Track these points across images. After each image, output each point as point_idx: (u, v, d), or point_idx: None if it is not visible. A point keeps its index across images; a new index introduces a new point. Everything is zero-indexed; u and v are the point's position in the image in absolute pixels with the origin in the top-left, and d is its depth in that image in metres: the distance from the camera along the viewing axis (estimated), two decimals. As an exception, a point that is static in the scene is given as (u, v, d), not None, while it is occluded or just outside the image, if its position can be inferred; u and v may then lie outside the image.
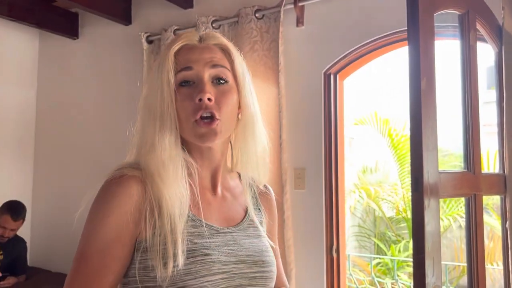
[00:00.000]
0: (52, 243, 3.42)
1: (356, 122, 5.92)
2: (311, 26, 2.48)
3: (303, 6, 2.48)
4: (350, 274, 4.39)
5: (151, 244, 0.79)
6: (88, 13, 3.23)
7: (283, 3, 2.46)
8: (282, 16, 2.46)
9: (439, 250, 1.18)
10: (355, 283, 4.64)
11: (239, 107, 0.92)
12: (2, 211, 2.90)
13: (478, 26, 1.45)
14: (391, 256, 5.38)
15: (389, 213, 6.00)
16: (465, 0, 1.38)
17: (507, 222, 1.52)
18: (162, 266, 0.77)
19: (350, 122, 5.75)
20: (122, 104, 3.18)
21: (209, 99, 0.84)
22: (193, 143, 0.88)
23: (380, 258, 5.55)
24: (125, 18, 3.17)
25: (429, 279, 1.11)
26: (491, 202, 5.19)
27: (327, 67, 2.42)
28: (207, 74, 0.87)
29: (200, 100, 0.84)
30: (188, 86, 0.86)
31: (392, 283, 4.91)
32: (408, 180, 5.71)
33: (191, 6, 2.91)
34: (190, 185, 0.86)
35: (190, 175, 0.87)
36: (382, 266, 5.53)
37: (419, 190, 1.10)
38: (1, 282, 2.76)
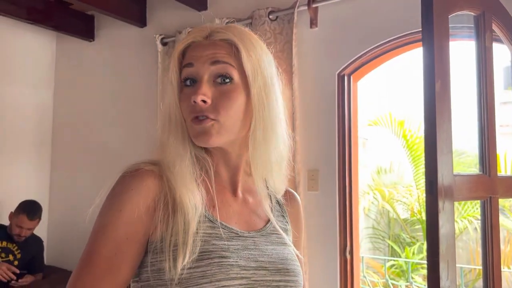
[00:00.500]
0: (69, 242, 3.46)
1: (370, 123, 5.89)
2: (324, 28, 2.48)
3: (316, 7, 2.47)
4: (364, 276, 4.37)
5: (164, 244, 0.75)
6: (104, 16, 3.27)
7: (297, 4, 2.46)
8: (295, 17, 2.46)
9: (453, 253, 1.17)
10: (368, 285, 4.61)
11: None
12: (18, 211, 2.94)
13: (494, 27, 1.44)
14: (406, 258, 5.33)
15: (404, 214, 5.95)
16: (481, 1, 1.37)
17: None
18: (172, 266, 0.73)
19: (364, 123, 5.72)
20: (138, 105, 3.21)
21: (203, 101, 0.79)
22: None
23: (394, 260, 5.50)
24: (140, 20, 3.20)
25: (444, 282, 1.10)
26: (508, 204, 5.12)
27: (341, 68, 2.42)
28: (208, 72, 0.80)
29: (194, 102, 0.79)
30: (190, 85, 0.82)
31: (407, 286, 4.87)
32: (423, 182, 5.66)
33: (205, 8, 2.92)
34: (206, 183, 0.82)
35: (206, 172, 0.83)
36: (396, 268, 5.48)
37: (434, 193, 1.09)
38: (19, 280, 2.81)
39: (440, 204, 1.11)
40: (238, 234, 0.82)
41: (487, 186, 1.35)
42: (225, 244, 0.78)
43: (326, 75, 2.45)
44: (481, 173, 1.35)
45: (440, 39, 1.13)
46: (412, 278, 4.80)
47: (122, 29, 3.31)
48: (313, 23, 2.48)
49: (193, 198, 0.78)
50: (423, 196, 5.53)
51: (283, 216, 0.96)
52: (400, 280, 5.12)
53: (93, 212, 0.82)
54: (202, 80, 0.80)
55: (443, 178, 1.10)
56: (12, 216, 2.97)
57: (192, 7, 2.91)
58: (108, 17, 3.23)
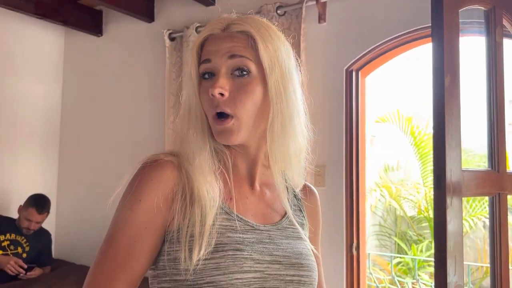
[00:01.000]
0: (76, 236, 3.49)
1: (378, 120, 5.86)
2: (333, 23, 2.47)
3: (325, 2, 2.46)
4: (370, 273, 4.36)
5: (180, 234, 0.76)
6: (112, 11, 3.28)
7: (305, -1, 2.45)
8: (304, 12, 2.45)
9: (461, 249, 1.16)
10: (375, 282, 4.60)
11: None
12: (27, 204, 2.97)
13: (505, 22, 1.42)
14: (412, 255, 5.31)
15: (411, 212, 5.93)
16: (492, -4, 1.36)
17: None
18: (187, 256, 0.74)
19: (372, 120, 5.69)
20: (145, 100, 3.22)
21: (221, 94, 0.78)
22: None
23: (400, 258, 5.49)
24: (148, 15, 3.21)
25: (451, 278, 1.09)
26: (517, 202, 5.07)
27: (349, 64, 2.41)
28: (225, 66, 0.80)
29: (212, 95, 0.79)
30: (209, 78, 0.81)
31: (413, 283, 4.86)
32: (430, 179, 5.63)
33: (213, 3, 2.92)
34: (224, 176, 0.83)
35: (224, 165, 0.84)
36: (403, 265, 5.47)
37: (442, 188, 1.09)
38: (28, 273, 2.84)
39: (448, 199, 1.10)
40: (253, 227, 0.82)
41: (495, 182, 1.34)
42: (240, 237, 0.78)
43: (334, 71, 2.44)
44: (490, 169, 1.34)
45: (450, 33, 1.12)
46: (419, 275, 4.78)
47: (130, 24, 3.32)
48: (321, 18, 2.47)
49: (211, 191, 0.79)
50: (430, 193, 5.50)
51: (300, 210, 0.95)
52: (406, 278, 5.10)
53: (114, 201, 0.83)
54: (219, 73, 0.80)
55: (451, 173, 1.09)
56: (21, 209, 2.99)
57: (200, 2, 2.91)
58: (116, 12, 3.24)
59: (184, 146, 0.83)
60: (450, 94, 1.12)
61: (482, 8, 1.35)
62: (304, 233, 0.91)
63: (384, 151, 6.25)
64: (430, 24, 1.15)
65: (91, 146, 3.50)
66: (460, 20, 1.19)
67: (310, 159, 0.95)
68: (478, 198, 5.11)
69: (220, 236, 0.77)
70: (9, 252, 2.92)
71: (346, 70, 2.42)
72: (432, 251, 5.22)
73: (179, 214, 0.77)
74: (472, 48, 1.90)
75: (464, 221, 4.93)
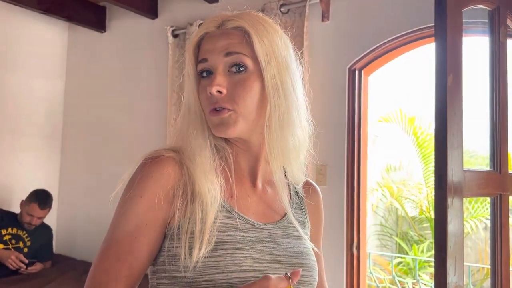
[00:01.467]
0: (77, 231, 3.50)
1: (380, 120, 5.84)
2: (336, 21, 2.46)
3: (328, 1, 2.46)
4: (371, 273, 4.35)
5: (180, 231, 0.76)
6: (116, 7, 3.28)
7: (309, -3, 2.44)
8: (307, 10, 2.45)
9: (461, 250, 1.16)
10: (375, 281, 4.60)
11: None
12: (30, 200, 2.98)
13: (509, 22, 1.42)
14: (413, 255, 5.30)
15: (412, 212, 5.91)
16: (496, -5, 1.35)
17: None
18: (187, 254, 0.73)
19: (374, 119, 5.68)
20: (148, 96, 3.22)
21: (219, 92, 0.79)
22: None
23: (401, 258, 5.48)
24: (152, 12, 3.21)
25: (451, 278, 1.09)
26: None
27: (352, 62, 2.40)
28: (222, 63, 0.80)
29: (210, 93, 0.79)
30: (207, 77, 0.82)
31: (413, 283, 4.85)
32: (432, 180, 5.61)
33: (216, 0, 2.92)
34: (226, 173, 0.83)
35: (226, 162, 0.84)
36: (403, 265, 5.46)
37: (443, 188, 1.08)
38: (28, 268, 2.85)
39: (449, 199, 1.10)
40: (254, 225, 0.81)
41: (497, 183, 1.33)
42: (240, 236, 0.78)
43: (337, 69, 2.44)
44: (491, 169, 1.34)
45: (453, 32, 1.12)
46: (419, 276, 4.77)
47: (133, 21, 3.32)
48: (324, 16, 2.47)
49: (212, 188, 0.78)
50: (432, 194, 5.48)
51: (301, 208, 0.94)
52: (407, 278, 5.10)
53: (115, 196, 0.83)
54: (216, 71, 0.80)
55: (452, 173, 1.09)
56: (23, 204, 3.00)
57: (203, -1, 2.91)
58: (120, 8, 3.24)
59: (185, 144, 0.83)
60: (452, 94, 1.12)
61: (486, 8, 1.35)
62: (305, 232, 0.90)
63: (386, 150, 6.23)
64: (433, 24, 1.14)
65: (93, 142, 3.50)
66: (463, 20, 1.19)
67: (312, 155, 0.94)
68: (480, 199, 5.09)
69: (220, 234, 0.76)
70: (10, 247, 2.93)
71: (349, 68, 2.42)
72: (433, 251, 5.21)
73: (179, 211, 0.77)
74: (475, 48, 1.90)
75: (465, 223, 4.91)
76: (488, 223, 5.08)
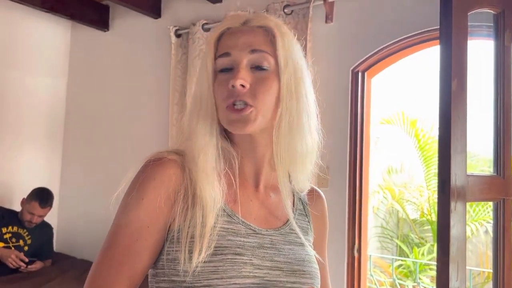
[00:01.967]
0: (78, 230, 3.50)
1: (382, 122, 5.84)
2: (340, 23, 2.46)
3: (332, 2, 2.45)
4: (371, 275, 4.35)
5: (180, 235, 0.75)
6: (119, 6, 3.27)
7: (313, -1, 2.44)
8: (311, 12, 2.44)
9: (464, 255, 1.15)
10: (375, 284, 4.59)
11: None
12: (31, 198, 2.97)
13: (514, 26, 1.41)
14: (414, 258, 5.29)
15: (413, 215, 5.90)
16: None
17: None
18: (187, 258, 0.73)
19: (376, 121, 5.67)
20: (150, 95, 3.22)
21: (242, 85, 0.78)
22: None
23: (402, 260, 5.47)
24: (155, 11, 3.20)
25: (453, 283, 1.09)
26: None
27: (356, 64, 2.40)
28: (246, 59, 0.80)
29: (233, 86, 0.78)
30: (226, 72, 0.81)
31: (414, 286, 4.84)
32: (434, 182, 5.59)
33: (219, 0, 2.91)
34: (229, 177, 0.81)
35: (230, 166, 0.82)
36: (404, 268, 5.45)
37: (446, 193, 1.08)
38: (29, 266, 2.84)
39: (452, 204, 1.09)
40: (255, 231, 0.80)
41: (500, 187, 1.33)
42: (241, 241, 0.77)
43: (340, 71, 2.43)
44: (495, 174, 1.33)
45: (459, 36, 1.11)
46: (420, 279, 4.76)
47: (136, 20, 3.32)
48: (328, 18, 2.46)
49: (213, 192, 0.77)
50: (433, 197, 5.47)
51: (305, 215, 0.93)
52: (407, 281, 5.09)
53: (117, 197, 0.83)
54: (240, 66, 0.79)
55: (456, 177, 1.08)
56: (24, 202, 3.00)
57: (207, -1, 2.90)
58: (123, 8, 3.24)
59: (190, 143, 0.81)
60: (457, 98, 1.11)
61: (492, 11, 1.34)
62: (308, 239, 0.89)
63: (388, 153, 6.22)
64: (438, 27, 1.14)
65: (95, 140, 3.50)
66: (468, 23, 1.18)
67: (319, 165, 0.92)
68: (481, 203, 5.08)
69: (220, 239, 0.76)
70: (10, 245, 2.92)
71: (352, 70, 2.41)
72: (434, 254, 5.20)
73: (180, 215, 0.76)
74: (480, 51, 1.89)
75: (466, 226, 4.89)
76: (489, 226, 5.07)
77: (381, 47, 2.33)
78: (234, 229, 0.78)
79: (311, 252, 0.87)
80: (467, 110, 1.15)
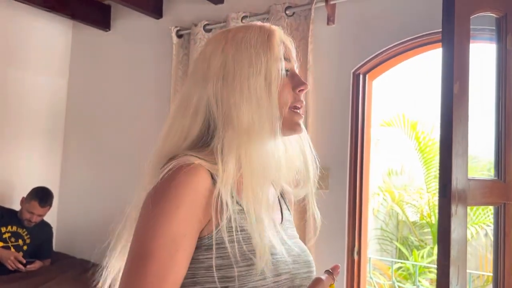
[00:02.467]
0: (78, 229, 3.49)
1: (383, 124, 5.83)
2: (342, 25, 2.45)
3: (334, 4, 2.45)
4: (371, 277, 4.34)
5: (211, 241, 0.74)
6: (120, 6, 3.27)
7: (314, 0, 2.44)
8: (312, 14, 2.44)
9: (464, 258, 1.15)
10: (375, 286, 4.58)
11: None
12: (30, 197, 2.97)
13: (516, 30, 1.41)
14: (413, 261, 5.29)
15: (413, 217, 5.90)
16: (504, 3, 1.34)
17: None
18: (262, 257, 0.73)
19: (377, 123, 5.67)
20: (150, 96, 3.22)
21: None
22: None
23: (401, 263, 5.46)
24: (156, 11, 3.20)
25: (453, 286, 1.08)
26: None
27: (357, 66, 2.39)
28: (295, 68, 0.89)
29: (300, 90, 0.85)
30: (285, 76, 0.85)
31: (413, 289, 4.83)
32: (434, 185, 5.59)
33: (221, 1, 2.91)
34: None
35: None
36: (403, 270, 5.44)
37: (447, 196, 1.07)
38: (27, 266, 2.84)
39: (453, 208, 1.09)
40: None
41: (501, 192, 1.32)
42: (269, 241, 0.79)
43: (341, 73, 2.43)
44: (496, 178, 1.33)
45: (461, 39, 1.11)
46: (419, 281, 4.76)
47: (138, 20, 3.32)
48: (330, 20, 2.46)
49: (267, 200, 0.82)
50: (433, 199, 5.47)
51: (287, 209, 0.98)
52: (406, 283, 5.08)
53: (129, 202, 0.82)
54: (298, 74, 0.88)
55: (457, 181, 1.08)
56: (23, 201, 2.99)
57: (209, 0, 2.90)
58: (124, 8, 3.24)
59: (260, 146, 0.80)
60: (458, 101, 1.11)
61: (494, 15, 1.34)
62: (294, 228, 0.97)
63: (388, 155, 6.22)
64: (440, 30, 1.14)
65: (95, 140, 3.50)
66: (471, 27, 1.18)
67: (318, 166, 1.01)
68: (482, 206, 5.07)
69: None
70: (9, 244, 2.92)
71: (354, 73, 2.41)
72: (434, 257, 5.20)
73: (217, 221, 0.75)
74: (482, 55, 1.89)
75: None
76: (489, 229, 5.06)
77: (383, 49, 2.32)
78: None
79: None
80: (468, 113, 1.15)
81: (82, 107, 3.63)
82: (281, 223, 0.90)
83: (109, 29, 3.52)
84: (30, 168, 3.47)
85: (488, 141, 1.41)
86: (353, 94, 2.40)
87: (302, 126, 0.87)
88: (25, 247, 2.97)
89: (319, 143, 2.43)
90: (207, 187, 0.76)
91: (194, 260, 0.75)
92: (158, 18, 3.22)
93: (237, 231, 0.75)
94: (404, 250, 5.72)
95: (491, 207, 1.41)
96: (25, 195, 3.00)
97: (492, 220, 1.54)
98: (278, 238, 0.81)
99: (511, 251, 1.35)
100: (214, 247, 0.74)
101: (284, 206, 0.96)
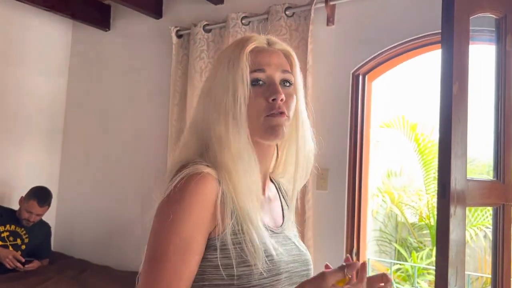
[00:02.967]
0: (76, 229, 3.49)
1: (382, 125, 5.83)
2: (341, 26, 2.45)
3: (334, 5, 2.45)
4: (369, 279, 4.32)
5: (232, 241, 0.82)
6: (120, 6, 3.27)
7: (314, 1, 2.44)
8: (312, 14, 2.44)
9: (463, 260, 1.15)
10: (373, 287, 4.57)
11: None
12: (29, 197, 2.97)
13: (516, 31, 1.41)
14: (412, 262, 5.28)
15: (412, 219, 5.89)
16: (503, 4, 1.34)
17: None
18: (254, 256, 0.81)
19: (376, 125, 5.67)
20: (150, 96, 3.22)
21: (281, 99, 0.89)
22: (257, 144, 0.90)
23: (400, 264, 5.46)
24: (156, 11, 3.20)
25: (452, 288, 1.08)
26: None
27: (356, 67, 2.39)
28: (277, 77, 0.91)
29: (274, 100, 0.88)
30: (259, 85, 0.90)
31: (412, 290, 4.83)
32: (433, 187, 5.59)
33: (221, 2, 2.91)
34: None
35: None
36: (402, 272, 5.44)
37: (446, 197, 1.07)
38: (26, 266, 2.83)
39: (452, 208, 1.09)
40: (273, 231, 0.92)
41: (500, 193, 1.32)
42: (270, 242, 0.87)
43: (341, 74, 2.43)
44: (495, 179, 1.33)
45: (460, 40, 1.11)
46: (418, 283, 4.75)
47: (138, 20, 3.31)
48: (329, 20, 2.46)
49: (254, 195, 0.86)
50: (432, 201, 5.46)
51: (288, 208, 1.04)
52: (405, 285, 5.07)
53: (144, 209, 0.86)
54: (276, 83, 0.91)
55: (456, 182, 1.08)
56: (22, 200, 2.99)
57: (208, 0, 2.90)
58: (124, 7, 3.24)
59: (228, 150, 0.86)
60: (458, 102, 1.11)
61: (494, 16, 1.34)
62: (295, 228, 1.04)
63: (387, 156, 6.22)
64: (439, 31, 1.13)
65: (94, 140, 3.49)
66: (470, 27, 1.18)
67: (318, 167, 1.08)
68: (480, 208, 5.07)
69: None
70: (8, 244, 2.91)
71: (353, 74, 2.41)
72: (432, 259, 5.19)
73: (226, 225, 0.83)
74: (481, 55, 1.89)
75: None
76: (488, 231, 5.06)
77: (382, 50, 2.32)
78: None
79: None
80: (467, 114, 1.15)
81: (81, 107, 3.63)
82: (281, 224, 0.97)
83: (109, 29, 3.52)
84: (29, 167, 3.47)
85: (487, 142, 1.40)
86: (352, 95, 2.40)
87: (282, 130, 0.88)
88: (23, 247, 2.97)
89: (318, 143, 2.43)
90: (215, 194, 0.84)
91: (203, 259, 0.83)
92: (158, 18, 3.22)
93: (240, 234, 0.83)
94: (403, 251, 5.72)
95: (490, 209, 1.40)
96: (23, 195, 3.00)
97: (491, 221, 1.54)
98: (275, 239, 0.89)
99: (510, 252, 1.35)
100: (218, 248, 0.82)
101: (285, 207, 1.03)
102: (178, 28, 3.00)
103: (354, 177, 2.38)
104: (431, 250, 5.41)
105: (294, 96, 0.93)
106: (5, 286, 2.59)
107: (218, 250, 0.82)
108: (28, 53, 3.48)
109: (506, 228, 1.33)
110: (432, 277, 5.04)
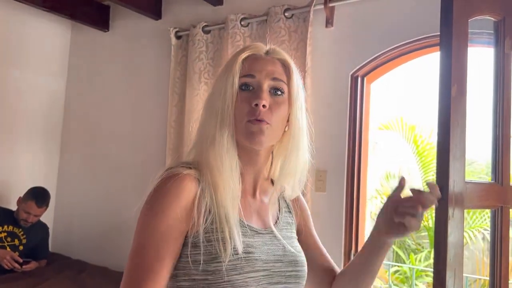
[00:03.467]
0: (74, 230, 3.48)
1: (381, 127, 5.84)
2: (340, 28, 2.46)
3: (333, 7, 2.45)
4: (367, 280, 4.33)
5: (205, 238, 0.86)
6: (120, 7, 3.27)
7: (313, 3, 2.44)
8: (311, 16, 2.44)
9: (461, 262, 1.15)
10: (371, 289, 4.57)
11: (288, 120, 0.97)
12: (27, 197, 2.96)
13: (514, 34, 1.41)
14: (410, 264, 5.29)
15: (410, 221, 5.89)
16: (502, 6, 1.34)
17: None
18: (223, 252, 0.85)
19: (375, 127, 5.67)
20: (149, 97, 3.21)
21: (264, 105, 0.91)
22: (244, 146, 0.94)
23: (398, 266, 5.46)
24: (155, 12, 3.20)
25: (450, 291, 1.08)
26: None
27: (355, 69, 2.39)
28: (267, 84, 0.94)
29: (256, 105, 0.90)
30: (248, 91, 0.93)
31: (410, 292, 4.83)
32: (431, 189, 5.58)
33: (220, 3, 2.91)
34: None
35: (241, 176, 0.95)
36: (400, 274, 5.44)
37: (444, 199, 1.07)
38: (23, 266, 2.83)
39: (450, 211, 1.09)
40: (257, 231, 0.95)
41: (498, 195, 1.32)
42: (249, 241, 0.91)
43: (340, 76, 2.43)
44: (493, 181, 1.33)
45: (459, 42, 1.11)
46: (416, 285, 4.75)
47: (137, 21, 3.31)
48: (328, 22, 2.46)
49: (232, 193, 0.90)
50: (431, 203, 5.45)
51: (289, 211, 1.09)
52: (403, 287, 5.08)
53: (136, 211, 0.92)
54: (262, 89, 0.93)
55: (454, 184, 1.08)
56: (20, 201, 2.99)
57: (207, 1, 2.90)
58: (123, 8, 3.24)
59: (213, 148, 0.91)
60: (456, 104, 1.11)
61: (492, 18, 1.34)
62: (293, 231, 1.07)
63: (386, 158, 6.22)
64: (438, 33, 1.13)
65: (93, 141, 3.49)
66: (469, 30, 1.18)
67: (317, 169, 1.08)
68: (479, 210, 5.08)
69: None
70: (5, 244, 2.91)
71: (352, 75, 2.41)
72: (430, 261, 5.19)
73: (202, 222, 0.87)
74: (479, 58, 1.89)
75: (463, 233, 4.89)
76: (486, 233, 5.06)
77: (381, 52, 2.33)
78: (243, 231, 0.91)
79: (297, 243, 1.04)
80: (466, 116, 1.15)
81: (80, 108, 3.63)
82: (274, 225, 1.00)
83: (108, 30, 3.52)
84: (27, 168, 3.46)
85: (485, 144, 1.40)
86: (351, 97, 2.40)
87: (260, 137, 0.91)
88: (21, 247, 2.96)
89: (316, 145, 2.43)
90: (193, 193, 0.88)
91: (183, 255, 0.88)
92: (157, 19, 3.22)
93: (213, 232, 0.87)
94: (401, 253, 5.72)
95: (488, 211, 1.40)
96: (22, 195, 2.99)
97: (489, 224, 1.54)
98: (260, 239, 0.94)
99: (508, 254, 1.35)
100: (189, 245, 0.87)
101: (285, 210, 1.07)
102: (177, 29, 3.00)
103: (353, 179, 2.38)
104: (429, 252, 5.41)
105: (284, 106, 0.95)
106: (2, 287, 2.58)
107: (189, 247, 0.87)
108: (27, 54, 3.48)
109: (504, 230, 1.33)
110: (430, 279, 5.04)
